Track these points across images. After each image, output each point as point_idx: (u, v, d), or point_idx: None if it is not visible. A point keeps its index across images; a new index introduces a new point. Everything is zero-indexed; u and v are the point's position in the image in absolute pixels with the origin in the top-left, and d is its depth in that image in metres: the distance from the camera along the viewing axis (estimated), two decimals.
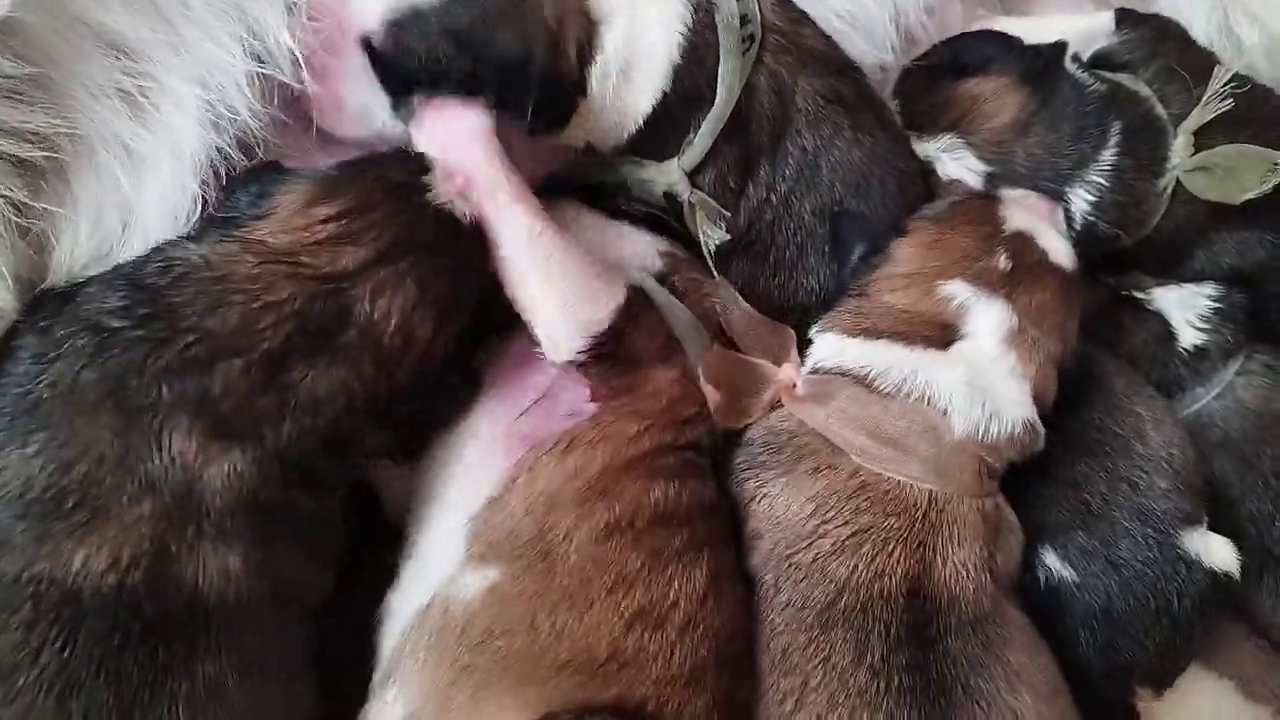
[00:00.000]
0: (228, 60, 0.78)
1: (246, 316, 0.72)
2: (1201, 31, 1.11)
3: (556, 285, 0.81)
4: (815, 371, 0.87)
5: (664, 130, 0.91)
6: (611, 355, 0.81)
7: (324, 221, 0.75)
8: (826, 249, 0.95)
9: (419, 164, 0.81)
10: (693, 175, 0.92)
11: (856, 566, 0.79)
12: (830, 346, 0.87)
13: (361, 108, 0.87)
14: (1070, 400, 0.88)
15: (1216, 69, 0.99)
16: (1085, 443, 0.90)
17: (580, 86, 0.86)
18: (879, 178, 0.95)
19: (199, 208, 0.79)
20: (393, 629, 0.79)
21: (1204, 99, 0.97)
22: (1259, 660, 0.96)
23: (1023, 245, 0.90)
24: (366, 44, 0.84)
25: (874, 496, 0.81)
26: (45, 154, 0.73)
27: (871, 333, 0.86)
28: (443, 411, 0.84)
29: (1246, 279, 0.99)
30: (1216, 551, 0.89)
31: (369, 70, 0.85)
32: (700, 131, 0.90)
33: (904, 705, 0.75)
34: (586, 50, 0.86)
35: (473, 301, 0.80)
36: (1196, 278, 1.00)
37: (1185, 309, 1.00)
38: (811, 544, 0.80)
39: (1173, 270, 1.01)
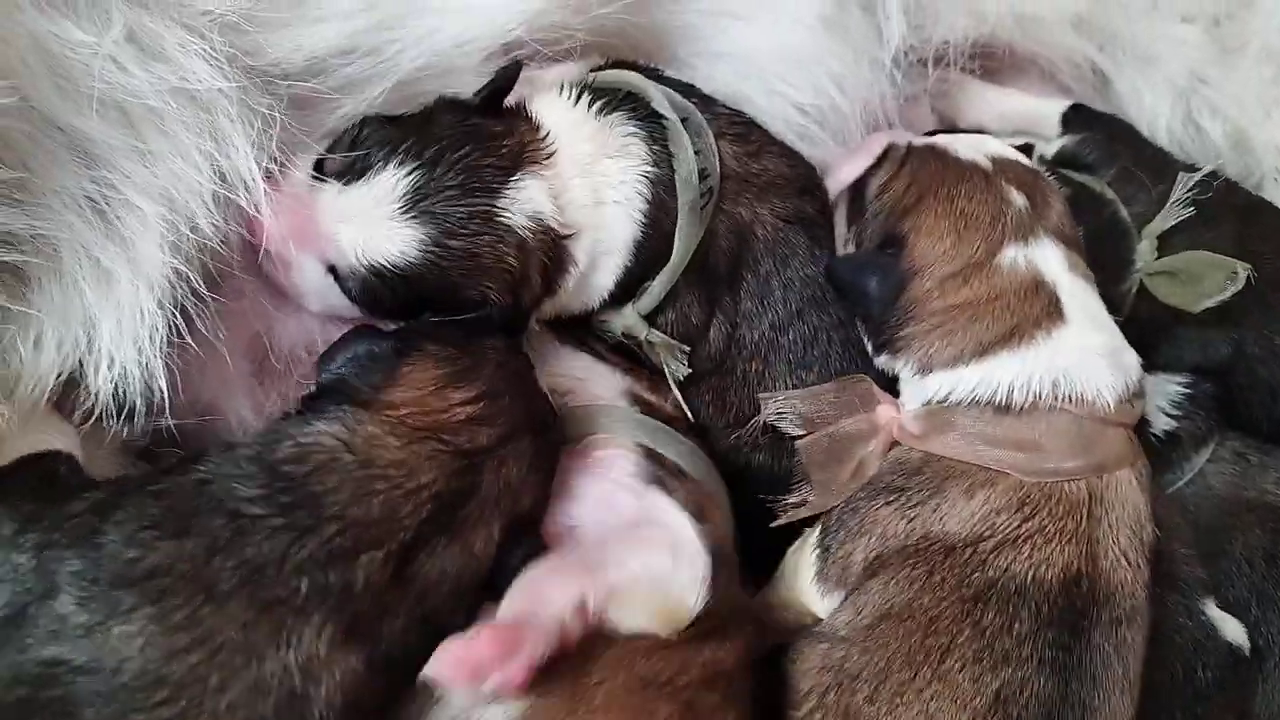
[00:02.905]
0: (194, 175, 0.79)
1: (389, 504, 0.72)
2: (1165, 124, 1.16)
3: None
4: (927, 404, 0.87)
5: (623, 287, 0.95)
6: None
7: (462, 404, 0.79)
8: (791, 357, 0.97)
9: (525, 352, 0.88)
10: (653, 315, 0.96)
11: (1017, 558, 0.80)
12: (941, 382, 0.87)
13: (316, 295, 0.88)
14: None
15: (1181, 175, 1.03)
16: None
17: (550, 292, 0.91)
18: None
19: (160, 337, 0.78)
20: None
21: (1168, 205, 1.00)
22: None
23: (1010, 169, 0.92)
24: (332, 269, 0.86)
25: (1038, 503, 0.82)
26: (20, 258, 0.73)
27: (980, 349, 0.86)
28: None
29: (1213, 373, 1.01)
30: (1228, 625, 0.90)
31: (326, 277, 0.86)
32: (656, 281, 0.94)
33: (1043, 674, 0.78)
34: (556, 268, 0.90)
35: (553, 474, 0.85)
36: (1164, 369, 1.02)
37: (1157, 395, 1.01)
38: (970, 546, 0.81)
39: None
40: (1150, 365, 1.01)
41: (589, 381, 0.95)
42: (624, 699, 0.74)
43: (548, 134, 0.90)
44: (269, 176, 0.83)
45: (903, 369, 0.90)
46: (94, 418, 0.78)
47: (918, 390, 0.89)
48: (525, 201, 0.87)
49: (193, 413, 0.84)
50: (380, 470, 0.73)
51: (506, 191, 0.86)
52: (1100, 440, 0.83)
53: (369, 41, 0.87)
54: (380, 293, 0.85)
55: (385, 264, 0.83)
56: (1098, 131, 1.10)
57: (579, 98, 0.93)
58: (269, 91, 0.83)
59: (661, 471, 0.87)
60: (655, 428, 0.91)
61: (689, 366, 0.96)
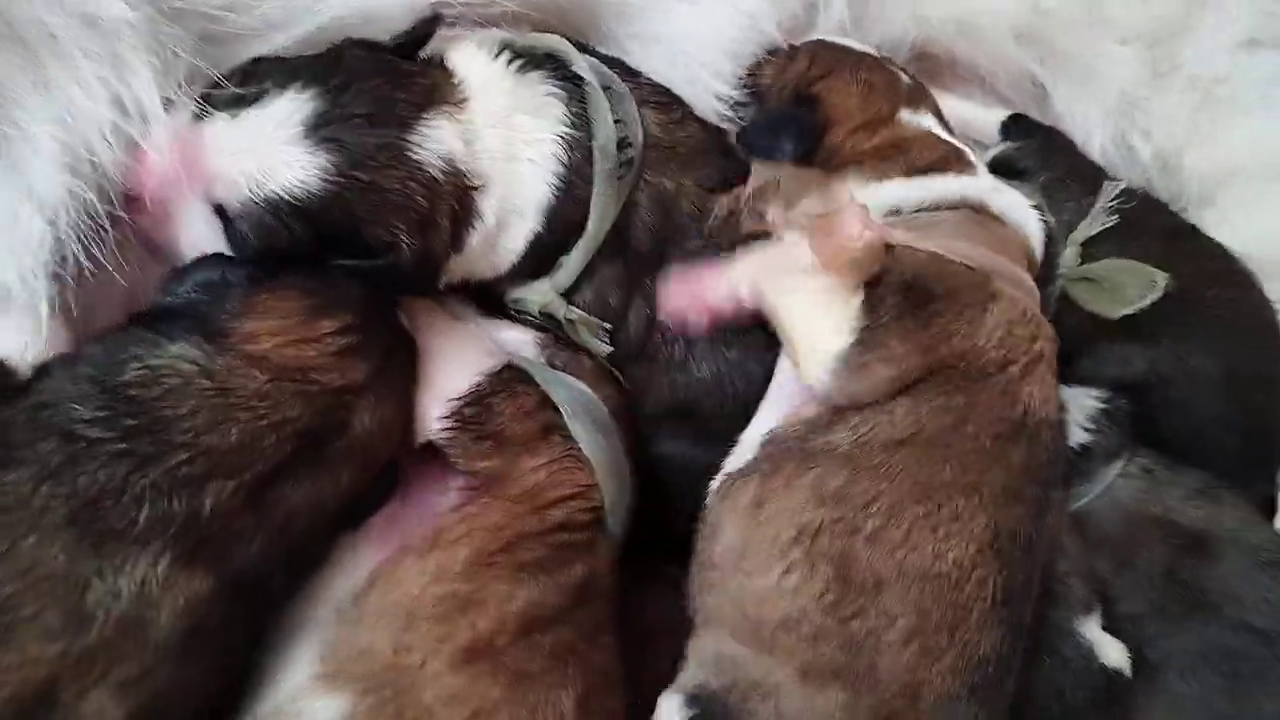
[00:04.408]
0: (92, 106, 0.74)
1: (249, 433, 0.69)
2: (1098, 142, 1.17)
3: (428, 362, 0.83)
4: (892, 214, 0.87)
5: (537, 258, 0.91)
6: (476, 425, 0.81)
7: (334, 334, 0.75)
8: (714, 334, 0.94)
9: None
10: (571, 292, 0.92)
11: (1034, 394, 0.81)
12: (900, 190, 0.88)
13: (199, 252, 0.82)
14: None
15: (1105, 183, 1.04)
16: None
17: (456, 247, 0.86)
18: None
19: (50, 263, 0.74)
20: None
21: (1092, 212, 1.01)
22: None
23: (892, 61, 1.00)
24: (219, 211, 0.80)
25: (1034, 321, 0.83)
26: None
27: (921, 169, 0.89)
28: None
29: (1129, 388, 1.01)
30: (1107, 646, 0.90)
31: (212, 224, 0.80)
32: (572, 255, 0.91)
33: (1029, 511, 0.79)
34: (463, 220, 0.85)
35: None
36: (1081, 382, 1.02)
37: (1075, 410, 1.01)
38: (1000, 373, 0.80)
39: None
40: (1070, 377, 1.02)
41: (500, 333, 0.93)
42: (453, 684, 0.72)
43: (462, 81, 0.86)
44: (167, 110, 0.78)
45: (856, 186, 0.89)
46: None
47: (877, 198, 0.88)
48: (437, 141, 0.82)
49: None
50: (241, 399, 0.70)
51: (418, 127, 0.82)
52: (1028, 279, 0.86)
53: None
54: (276, 233, 0.78)
55: (283, 195, 0.77)
56: (1036, 140, 1.10)
57: (498, 53, 0.90)
58: (178, 23, 0.78)
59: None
60: (550, 373, 0.88)
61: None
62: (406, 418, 0.81)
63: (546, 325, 0.94)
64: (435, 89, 0.85)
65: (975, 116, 1.14)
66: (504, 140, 0.87)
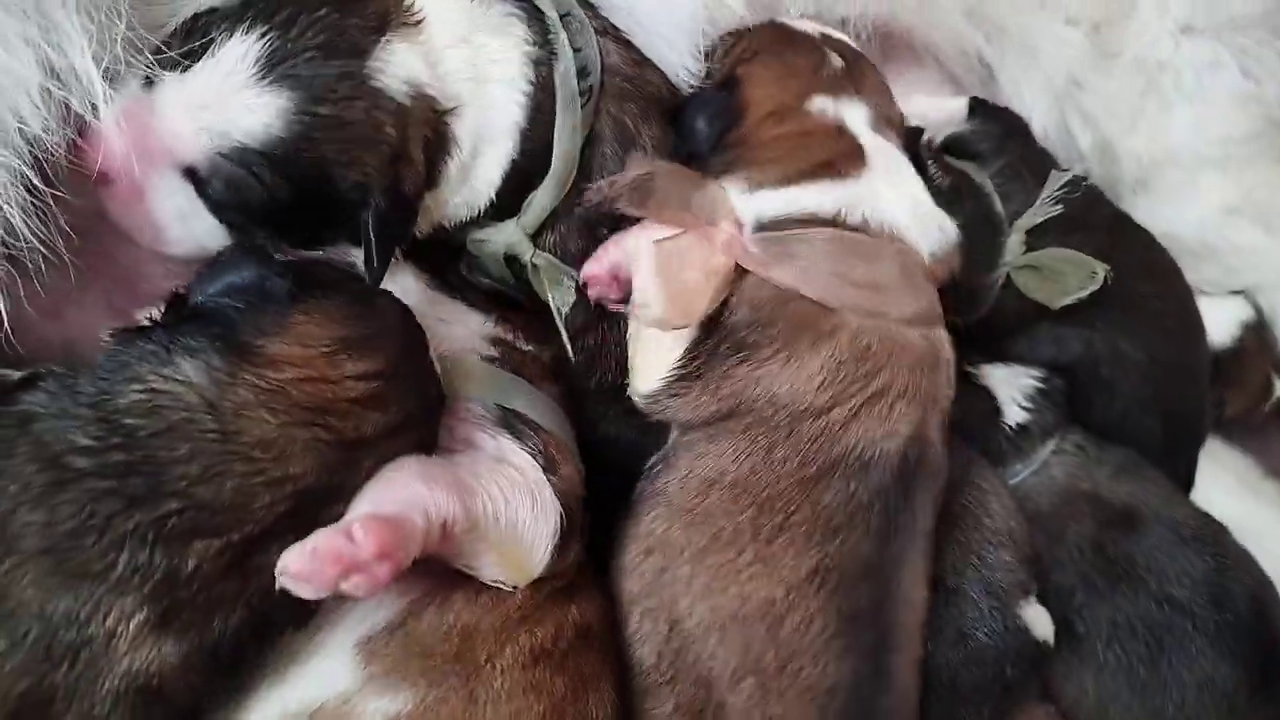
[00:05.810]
0: (17, 66, 0.68)
1: (244, 492, 0.62)
2: (1041, 124, 1.19)
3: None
4: (764, 228, 0.84)
5: (512, 189, 0.88)
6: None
7: (356, 379, 0.67)
8: None
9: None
10: (534, 236, 0.89)
11: (867, 431, 0.80)
12: (771, 200, 0.85)
13: (180, 225, 0.79)
14: None
15: (1053, 173, 1.06)
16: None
17: (432, 180, 0.83)
18: None
19: None
20: None
21: (1038, 201, 1.03)
22: None
23: (836, 42, 0.98)
24: (190, 174, 0.76)
25: (880, 355, 0.80)
26: None
27: (802, 175, 0.86)
28: None
29: (1062, 369, 1.05)
30: (1039, 624, 0.94)
31: (185, 191, 0.77)
32: (540, 190, 0.88)
33: (867, 540, 0.79)
34: (439, 148, 0.82)
35: None
36: (1018, 361, 1.05)
37: (1011, 388, 1.05)
38: (822, 417, 0.79)
39: (993, 351, 1.06)
40: (1007, 356, 1.06)
41: (451, 325, 0.89)
42: (522, 679, 0.72)
43: (414, 2, 0.82)
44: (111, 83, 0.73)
45: (733, 191, 0.87)
46: None
47: (749, 208, 0.85)
48: (399, 65, 0.79)
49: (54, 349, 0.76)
50: (242, 448, 0.62)
51: (376, 53, 0.78)
52: (924, 290, 0.85)
53: None
54: (249, 187, 0.75)
55: (249, 143, 0.74)
56: (995, 124, 1.11)
57: None
58: None
59: (513, 418, 0.83)
60: (506, 379, 0.86)
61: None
62: None
63: (503, 285, 0.91)
64: (388, 11, 0.81)
65: (942, 109, 1.14)
66: (468, 60, 0.83)
